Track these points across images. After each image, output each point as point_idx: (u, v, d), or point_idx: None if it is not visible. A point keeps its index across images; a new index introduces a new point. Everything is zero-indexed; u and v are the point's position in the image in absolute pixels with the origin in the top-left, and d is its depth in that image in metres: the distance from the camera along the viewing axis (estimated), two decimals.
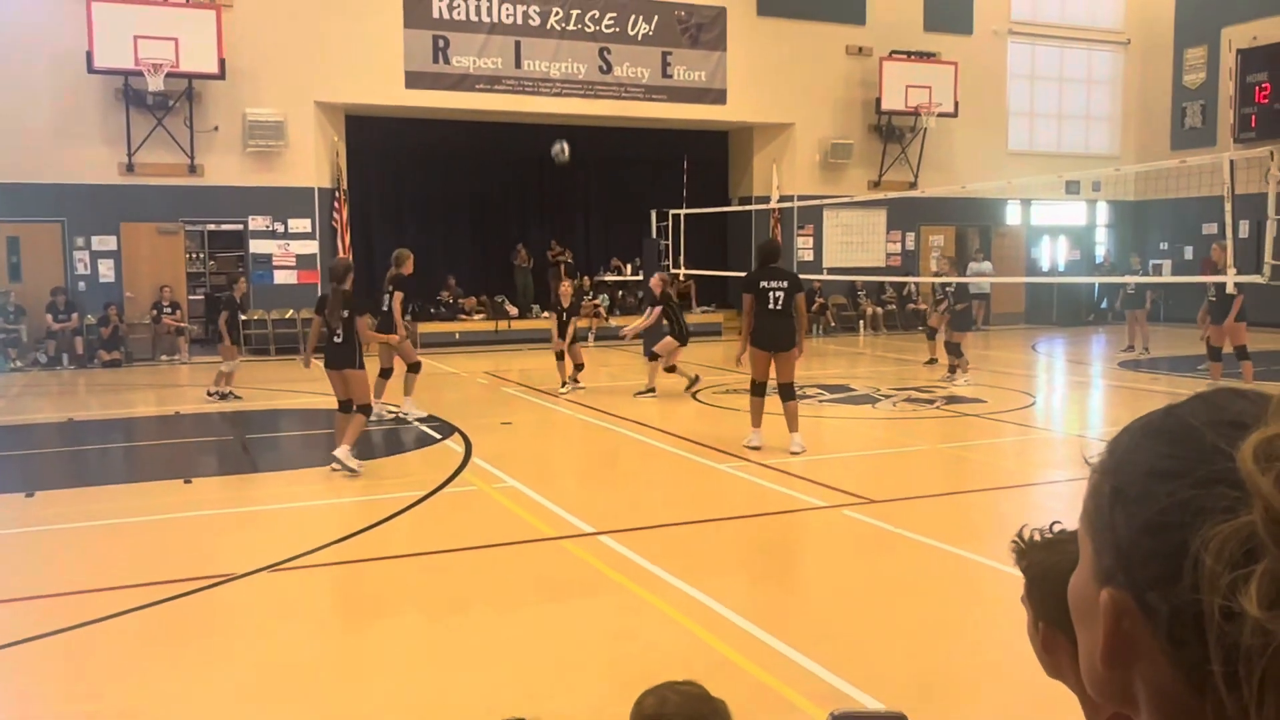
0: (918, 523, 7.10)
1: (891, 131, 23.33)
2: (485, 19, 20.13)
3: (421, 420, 11.49)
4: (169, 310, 18.37)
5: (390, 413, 11.79)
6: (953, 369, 14.33)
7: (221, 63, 17.85)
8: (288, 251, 19.34)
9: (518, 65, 20.41)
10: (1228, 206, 10.13)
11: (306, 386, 14.38)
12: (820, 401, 12.79)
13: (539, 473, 9.01)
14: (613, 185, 23.80)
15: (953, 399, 12.89)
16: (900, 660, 4.85)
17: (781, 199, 22.40)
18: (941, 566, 6.30)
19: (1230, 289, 11.84)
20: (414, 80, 19.70)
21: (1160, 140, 25.41)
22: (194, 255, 21.35)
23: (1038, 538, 1.43)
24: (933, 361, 16.11)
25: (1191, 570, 0.60)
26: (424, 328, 20.09)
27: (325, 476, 8.85)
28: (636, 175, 23.70)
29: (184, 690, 4.62)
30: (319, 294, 11.68)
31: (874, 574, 6.28)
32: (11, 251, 17.98)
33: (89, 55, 17.07)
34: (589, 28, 20.87)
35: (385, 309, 11.37)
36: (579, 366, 13.57)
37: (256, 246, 19.20)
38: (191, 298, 19.58)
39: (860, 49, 23.00)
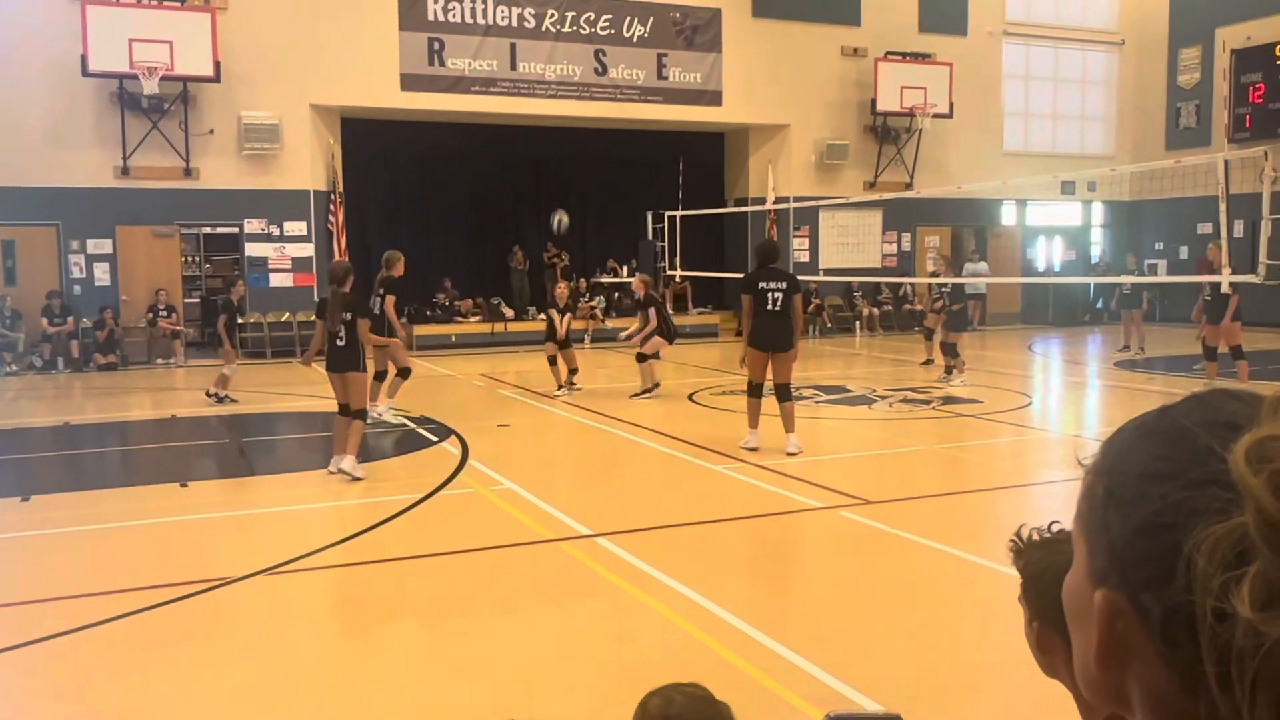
0: (914, 523, 7.11)
1: (887, 132, 23.36)
2: (480, 21, 20.14)
3: (390, 424, 11.38)
4: (165, 314, 18.35)
5: (387, 414, 11.77)
6: (949, 370, 14.35)
7: (216, 66, 17.84)
8: (283, 254, 19.32)
9: (513, 67, 20.41)
10: (1222, 206, 10.16)
11: (303, 390, 14.38)
12: (816, 402, 12.80)
13: (536, 475, 9.00)
14: (608, 187, 23.81)
15: (949, 399, 12.90)
16: (897, 661, 4.86)
17: (777, 200, 22.43)
18: (938, 567, 6.31)
19: (1225, 289, 11.87)
20: (409, 83, 19.70)
21: (1155, 140, 25.45)
22: (189, 258, 21.31)
23: (1035, 537, 1.44)
24: (929, 362, 16.12)
25: (1184, 572, 0.60)
26: (420, 330, 20.08)
27: (322, 479, 8.85)
28: (632, 177, 23.71)
29: (180, 695, 4.61)
30: (315, 297, 11.67)
31: (871, 575, 6.28)
32: (6, 255, 17.95)
33: (83, 58, 17.05)
34: (584, 29, 20.88)
35: (377, 312, 11.28)
36: (573, 371, 13.56)
37: (252, 250, 19.18)
38: (187, 301, 19.55)
39: (855, 50, 23.02)
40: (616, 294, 22.68)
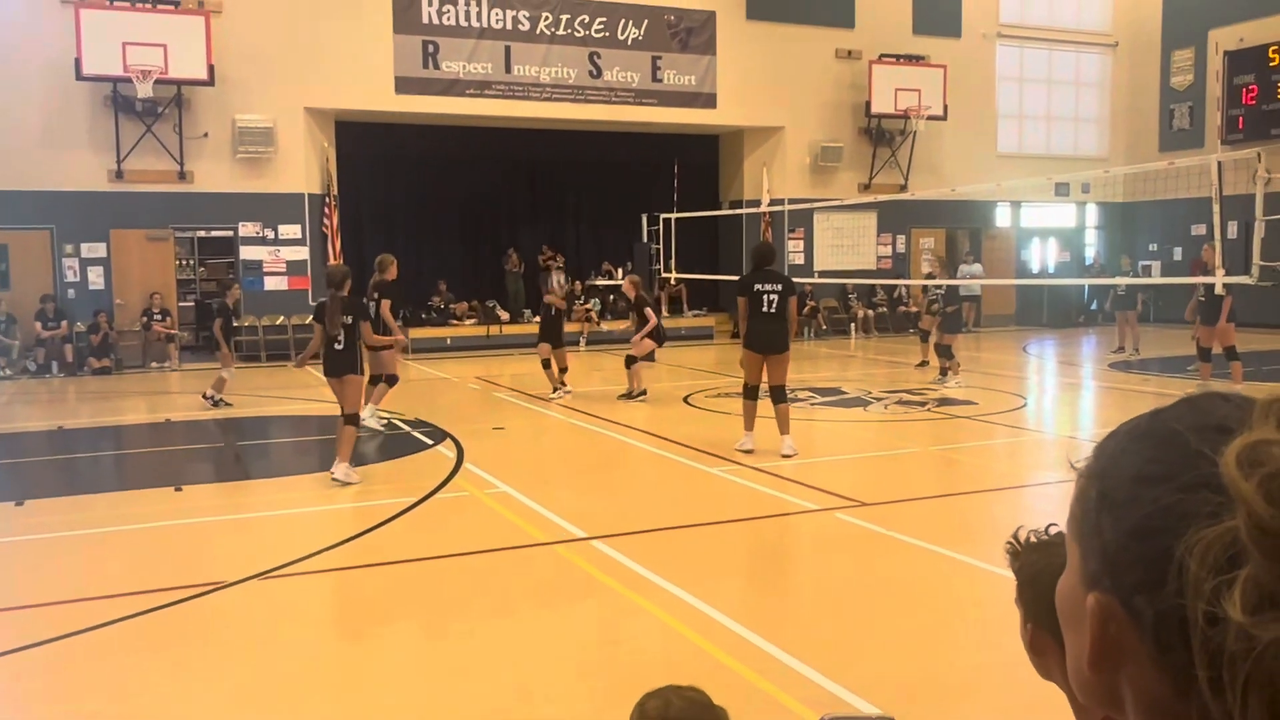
0: (910, 525, 7.11)
1: (881, 134, 23.39)
2: (475, 24, 20.14)
3: (374, 429, 11.29)
4: (159, 317, 18.31)
5: (382, 419, 11.75)
6: (944, 371, 14.37)
7: (211, 69, 17.82)
8: (278, 258, 19.31)
9: (508, 70, 20.41)
10: (1216, 208, 10.18)
11: (298, 393, 14.36)
12: (812, 404, 12.80)
13: (531, 478, 9.00)
14: (603, 190, 23.82)
15: (944, 401, 12.91)
16: (893, 663, 4.86)
17: (772, 202, 22.44)
18: (934, 569, 6.31)
19: (1219, 290, 11.90)
20: (404, 86, 19.69)
21: (1149, 142, 25.51)
22: (184, 262, 21.24)
23: (1033, 539, 1.44)
24: (924, 364, 16.14)
25: (1176, 575, 0.60)
26: (415, 333, 20.06)
27: (316, 483, 8.84)
28: (627, 180, 23.72)
29: (176, 699, 4.60)
30: (310, 301, 11.64)
31: (866, 577, 6.29)
32: (0, 259, 17.91)
33: (77, 62, 17.03)
34: (578, 32, 20.89)
35: (372, 316, 11.23)
36: (563, 369, 13.54)
37: (247, 253, 19.16)
38: (182, 304, 19.50)
39: (849, 52, 23.05)
40: (611, 297, 22.69)
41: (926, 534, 6.86)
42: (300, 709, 4.53)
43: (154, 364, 18.23)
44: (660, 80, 21.59)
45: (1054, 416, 13.00)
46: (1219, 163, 10.53)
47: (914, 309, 22.04)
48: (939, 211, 23.54)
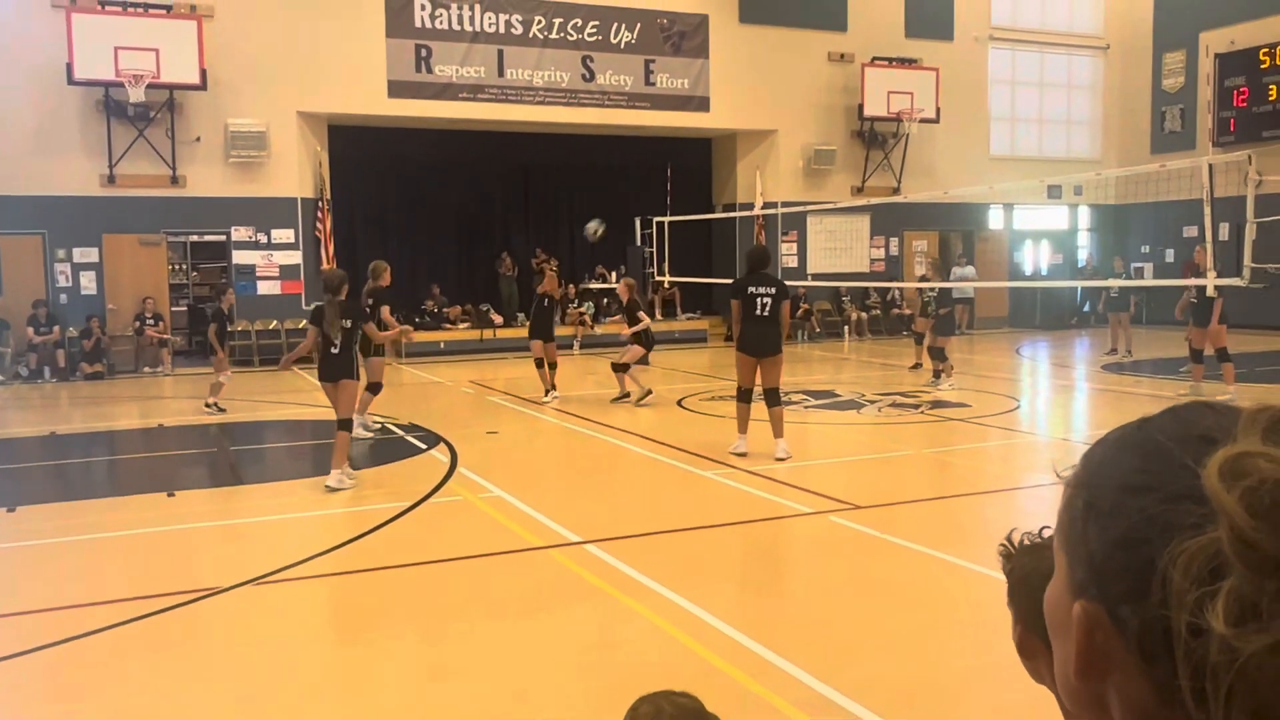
0: (903, 528, 7.12)
1: (874, 137, 23.43)
2: (468, 28, 20.14)
3: (362, 435, 11.25)
4: (152, 322, 18.28)
5: (377, 424, 11.73)
6: (937, 374, 14.39)
7: (203, 73, 17.80)
8: (271, 262, 19.28)
9: (500, 74, 20.42)
10: (1207, 210, 10.22)
11: (291, 398, 14.34)
12: (805, 407, 12.81)
13: (525, 482, 8.99)
14: (596, 193, 23.80)
15: (937, 404, 12.93)
16: (887, 666, 4.86)
17: (765, 205, 22.48)
18: (927, 571, 6.32)
19: (1211, 291, 11.93)
20: (397, 89, 19.69)
21: (1140, 144, 25.59)
22: (177, 266, 21.27)
23: (1026, 542, 1.44)
24: (917, 366, 16.16)
25: (1160, 586, 0.60)
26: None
27: (310, 488, 8.82)
28: (620, 183, 23.73)
29: (169, 705, 4.59)
30: (303, 305, 11.61)
31: (860, 580, 6.29)
32: None
33: (69, 66, 16.99)
34: (571, 36, 20.90)
35: (370, 319, 11.23)
36: (553, 366, 13.52)
37: (239, 257, 19.14)
38: (174, 309, 19.50)
39: (842, 55, 23.09)
40: (605, 300, 22.68)
41: (920, 537, 6.87)
42: (295, 714, 4.53)
43: (146, 369, 18.20)
44: (653, 84, 21.61)
45: (1047, 419, 13.03)
46: (1210, 165, 10.56)
47: (907, 311, 22.08)
48: (932, 214, 23.58)
